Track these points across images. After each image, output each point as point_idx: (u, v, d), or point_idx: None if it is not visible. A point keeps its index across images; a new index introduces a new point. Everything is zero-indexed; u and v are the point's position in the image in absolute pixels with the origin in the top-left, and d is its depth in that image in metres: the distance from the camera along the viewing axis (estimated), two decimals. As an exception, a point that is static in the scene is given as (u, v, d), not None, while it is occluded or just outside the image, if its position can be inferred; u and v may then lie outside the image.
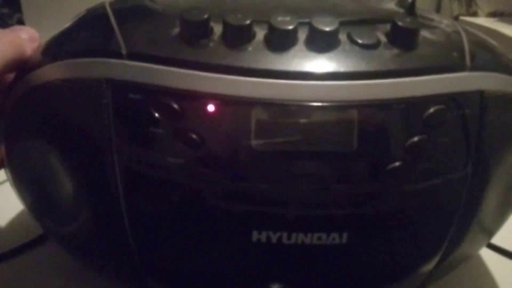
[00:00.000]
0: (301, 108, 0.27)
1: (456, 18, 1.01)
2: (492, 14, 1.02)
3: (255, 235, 0.28)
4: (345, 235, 0.29)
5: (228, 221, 0.29)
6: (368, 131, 0.27)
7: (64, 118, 0.30)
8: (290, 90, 0.27)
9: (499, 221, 0.37)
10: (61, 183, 0.31)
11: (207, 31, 0.28)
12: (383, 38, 0.30)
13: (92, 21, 0.33)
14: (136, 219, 0.29)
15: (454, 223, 0.31)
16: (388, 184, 0.28)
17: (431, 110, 0.28)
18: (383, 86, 0.27)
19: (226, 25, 0.28)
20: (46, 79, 0.30)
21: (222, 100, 0.27)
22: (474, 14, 1.04)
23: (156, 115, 0.27)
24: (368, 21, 0.31)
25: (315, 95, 0.27)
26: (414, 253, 0.32)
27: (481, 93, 0.30)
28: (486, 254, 0.47)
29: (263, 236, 0.28)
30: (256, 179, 0.28)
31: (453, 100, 0.29)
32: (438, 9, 1.03)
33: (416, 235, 0.31)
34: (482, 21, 0.99)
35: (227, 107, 0.27)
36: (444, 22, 0.35)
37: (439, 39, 0.32)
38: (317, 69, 0.27)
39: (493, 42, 0.36)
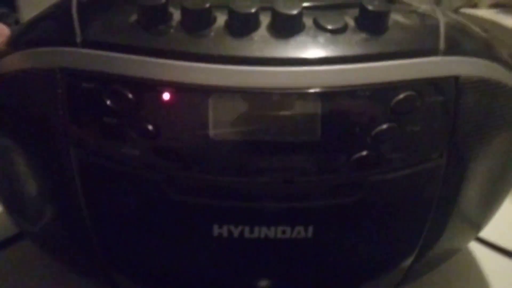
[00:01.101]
0: (261, 96, 0.26)
1: (456, 10, 0.98)
2: (494, 6, 1.00)
3: (216, 229, 0.27)
4: (310, 229, 0.28)
5: (187, 215, 0.27)
6: (333, 119, 0.26)
7: (21, 109, 0.29)
8: (250, 77, 0.26)
9: (485, 213, 0.35)
10: (22, 177, 0.30)
11: (165, 17, 0.27)
12: (351, 23, 0.28)
13: (55, 10, 0.32)
14: (95, 212, 0.28)
15: (430, 216, 0.30)
16: (355, 174, 0.27)
17: (400, 96, 0.27)
18: (349, 72, 0.26)
19: (184, 10, 0.27)
20: (4, 70, 0.29)
21: (178, 88, 0.26)
22: (475, 6, 1.02)
23: (110, 104, 0.26)
24: (336, 6, 0.29)
25: (277, 82, 0.26)
26: (387, 249, 0.30)
27: (456, 79, 0.28)
28: (478, 250, 0.46)
29: (224, 230, 0.27)
30: (214, 171, 0.26)
31: (424, 86, 0.27)
32: (438, 3, 1.00)
33: (388, 229, 0.29)
34: (483, 13, 0.97)
35: (183, 95, 0.26)
36: (422, 8, 0.33)
37: (412, 23, 0.30)
38: (280, 54, 0.26)
39: (476, 27, 0.34)
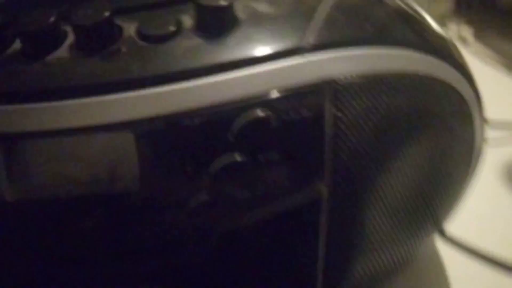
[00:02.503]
0: (55, 139, 0.20)
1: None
2: None
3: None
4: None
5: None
6: (155, 159, 0.20)
7: None
8: (34, 116, 0.19)
9: (422, 219, 0.28)
10: None
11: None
12: (188, 23, 0.22)
13: None
14: None
15: (319, 261, 0.23)
16: (196, 225, 0.21)
17: (243, 120, 0.20)
18: (166, 95, 0.20)
19: None
20: None
21: None
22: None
23: None
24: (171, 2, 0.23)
25: (72, 118, 0.19)
26: None
27: (330, 84, 0.21)
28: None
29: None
30: (19, 239, 0.21)
31: (281, 100, 0.21)
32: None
33: (259, 281, 0.24)
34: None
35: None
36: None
37: (279, 12, 0.23)
38: (75, 81, 0.20)
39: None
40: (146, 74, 0.20)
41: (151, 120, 0.20)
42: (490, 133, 0.54)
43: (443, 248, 0.40)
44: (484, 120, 0.30)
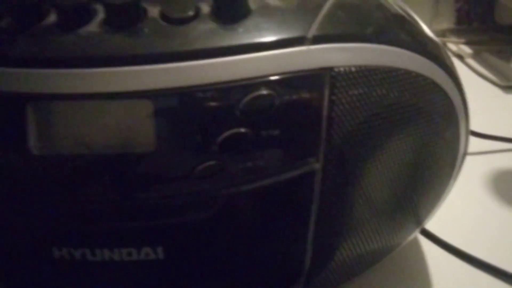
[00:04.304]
0: (83, 102, 0.22)
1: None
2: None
3: (56, 252, 0.25)
4: (160, 249, 0.24)
5: (23, 238, 0.25)
6: (169, 126, 0.23)
7: None
8: (66, 80, 0.22)
9: (404, 213, 0.31)
10: None
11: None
12: (206, 9, 0.24)
13: None
14: None
15: (309, 233, 0.26)
16: (202, 187, 0.23)
17: (249, 97, 0.23)
18: (183, 70, 0.22)
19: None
20: None
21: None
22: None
23: None
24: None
25: (100, 84, 0.22)
26: (260, 267, 0.27)
27: (328, 71, 0.24)
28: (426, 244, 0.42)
29: (65, 253, 0.25)
30: (41, 190, 0.23)
31: (282, 82, 0.23)
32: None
33: (257, 246, 0.26)
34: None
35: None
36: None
37: (287, 5, 0.26)
38: (104, 52, 0.22)
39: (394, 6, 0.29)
40: (166, 50, 0.22)
41: (168, 91, 0.22)
42: (482, 144, 0.57)
43: (427, 247, 0.42)
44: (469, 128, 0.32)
